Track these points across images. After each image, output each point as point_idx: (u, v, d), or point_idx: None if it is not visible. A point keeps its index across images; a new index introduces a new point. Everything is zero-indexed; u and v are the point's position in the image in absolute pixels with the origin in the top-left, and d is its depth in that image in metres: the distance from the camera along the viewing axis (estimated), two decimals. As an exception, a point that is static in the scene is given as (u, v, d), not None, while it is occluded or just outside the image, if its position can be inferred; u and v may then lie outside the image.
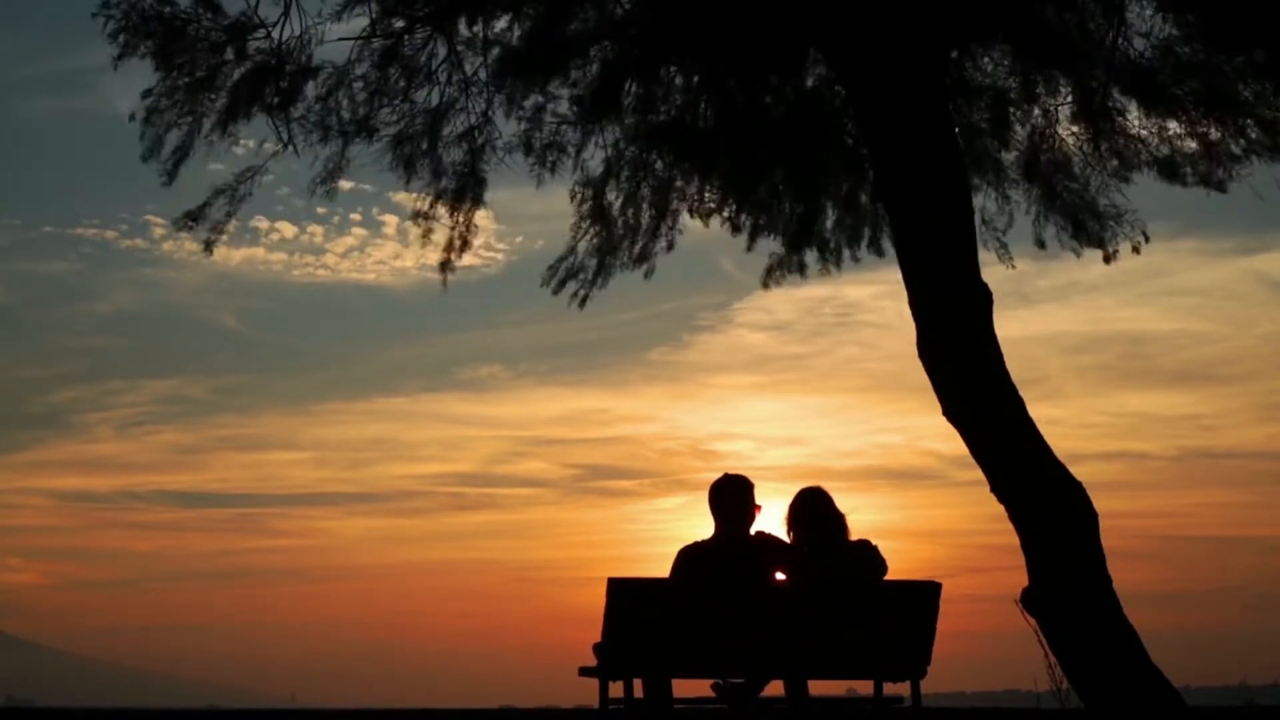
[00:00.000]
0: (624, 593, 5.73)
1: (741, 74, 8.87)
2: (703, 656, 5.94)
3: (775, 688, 6.23)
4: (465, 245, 9.31)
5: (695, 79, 9.13)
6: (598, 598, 5.73)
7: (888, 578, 6.29)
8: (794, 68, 8.96)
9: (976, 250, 7.68)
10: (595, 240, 9.56)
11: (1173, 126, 8.71)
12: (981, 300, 7.45)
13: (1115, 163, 9.02)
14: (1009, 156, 9.31)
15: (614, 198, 9.50)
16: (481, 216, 9.38)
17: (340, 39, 8.56)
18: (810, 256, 9.97)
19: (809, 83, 9.19)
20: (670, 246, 9.73)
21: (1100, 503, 7.05)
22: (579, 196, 9.43)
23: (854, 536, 6.42)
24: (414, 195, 9.14)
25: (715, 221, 9.90)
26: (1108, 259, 9.35)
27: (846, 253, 9.94)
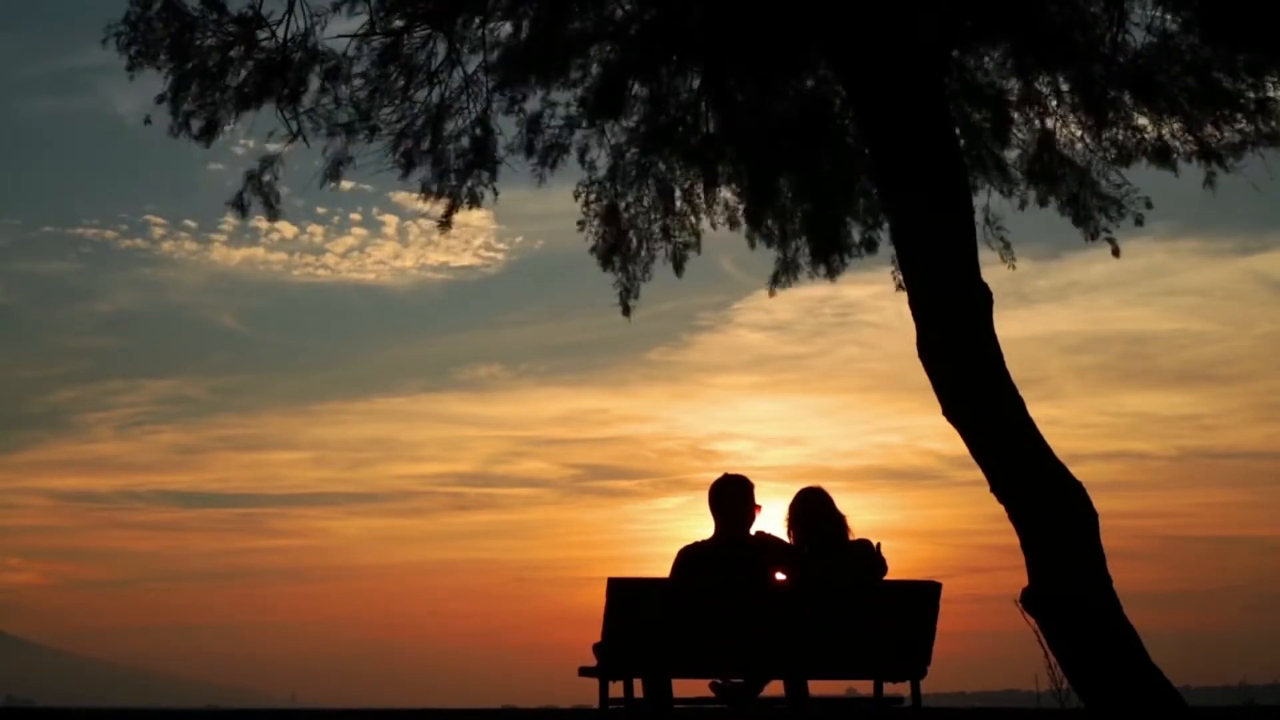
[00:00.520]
0: (624, 593, 5.73)
1: (742, 74, 8.87)
2: (703, 656, 5.94)
3: (775, 688, 6.23)
4: (475, 202, 9.32)
5: (696, 80, 9.14)
6: (598, 598, 5.74)
7: (888, 578, 6.29)
8: (795, 68, 8.96)
9: (976, 250, 7.68)
10: (609, 243, 9.60)
11: (1169, 121, 8.73)
12: (981, 300, 7.45)
13: (1114, 153, 9.06)
14: (1010, 155, 9.33)
15: (620, 199, 9.52)
16: (480, 216, 9.42)
17: (340, 36, 8.63)
18: (824, 259, 9.97)
19: (810, 83, 9.20)
20: (688, 246, 9.79)
21: (1100, 503, 7.06)
22: (583, 196, 9.45)
23: (854, 536, 6.42)
24: (419, 180, 9.21)
25: (716, 221, 9.92)
26: (1116, 252, 9.39)
27: (856, 256, 9.96)
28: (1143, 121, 8.85)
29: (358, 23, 8.56)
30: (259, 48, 8.44)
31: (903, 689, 6.15)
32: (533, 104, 9.07)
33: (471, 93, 9.00)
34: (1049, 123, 9.18)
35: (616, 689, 5.86)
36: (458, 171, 9.16)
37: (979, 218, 9.23)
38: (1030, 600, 6.94)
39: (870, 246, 9.88)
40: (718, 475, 6.40)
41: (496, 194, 9.25)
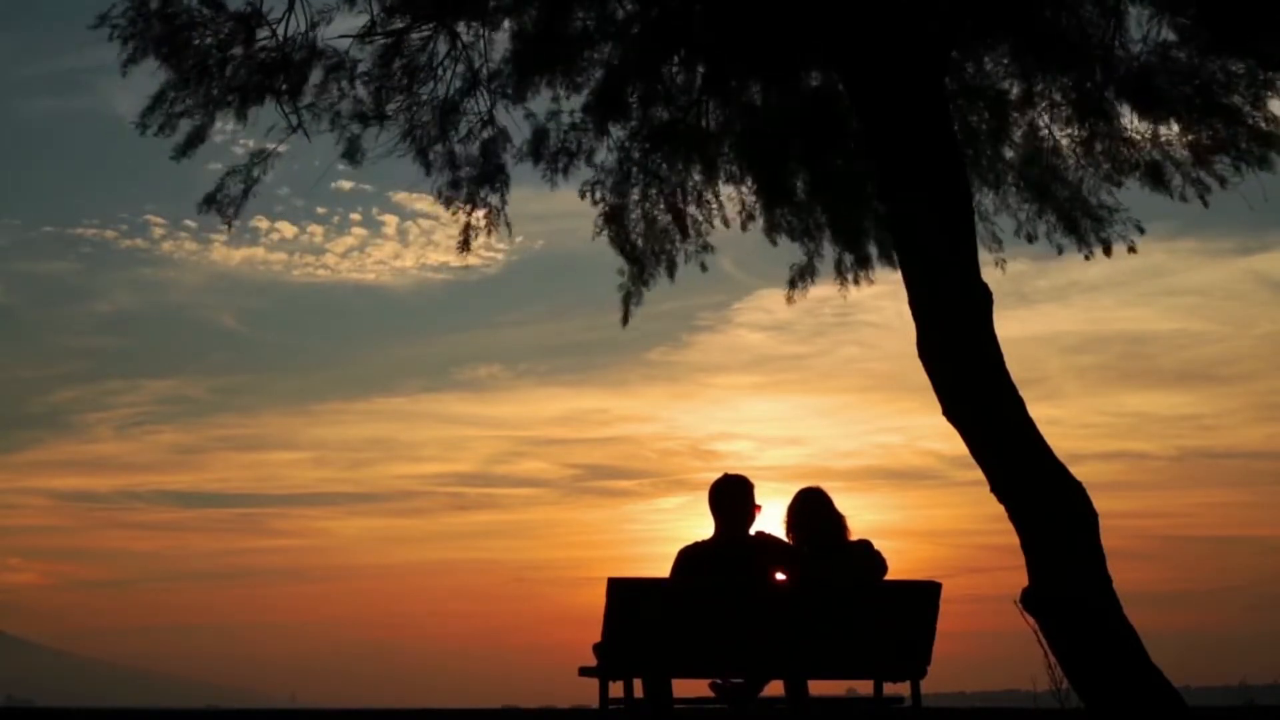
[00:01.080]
0: (624, 593, 5.73)
1: (743, 74, 8.87)
2: (703, 656, 5.93)
3: (775, 688, 6.23)
4: (491, 224, 9.32)
5: (698, 79, 9.14)
6: (598, 598, 5.73)
7: (888, 578, 6.29)
8: (796, 67, 8.96)
9: (976, 250, 7.68)
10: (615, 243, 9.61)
11: (1165, 132, 8.74)
12: (981, 300, 7.44)
13: (1107, 166, 9.05)
14: (1006, 156, 9.32)
15: (626, 199, 9.52)
16: (480, 216, 9.39)
17: (342, 36, 8.64)
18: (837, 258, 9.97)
19: (811, 83, 9.20)
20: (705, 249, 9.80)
21: (1100, 503, 7.05)
22: (589, 197, 9.45)
23: (854, 536, 6.41)
24: (437, 191, 9.20)
25: (716, 220, 9.91)
26: (1108, 250, 9.39)
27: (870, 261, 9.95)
28: (1136, 135, 8.84)
29: (359, 22, 8.57)
30: (259, 45, 8.43)
31: (903, 689, 6.15)
32: (536, 105, 9.08)
33: (476, 93, 9.01)
34: (1043, 133, 9.17)
35: (616, 689, 5.86)
36: (470, 181, 9.17)
37: (976, 217, 9.23)
38: (1030, 600, 6.94)
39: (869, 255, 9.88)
40: (718, 475, 6.39)
41: (510, 228, 9.31)
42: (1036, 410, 7.25)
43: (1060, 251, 9.53)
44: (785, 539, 6.41)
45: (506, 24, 8.77)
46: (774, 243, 9.95)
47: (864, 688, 6.34)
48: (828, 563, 6.26)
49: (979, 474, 7.24)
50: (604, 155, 9.33)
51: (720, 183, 9.68)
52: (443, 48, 8.82)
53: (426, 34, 8.74)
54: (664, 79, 9.07)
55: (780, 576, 6.27)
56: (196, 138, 8.50)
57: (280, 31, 8.45)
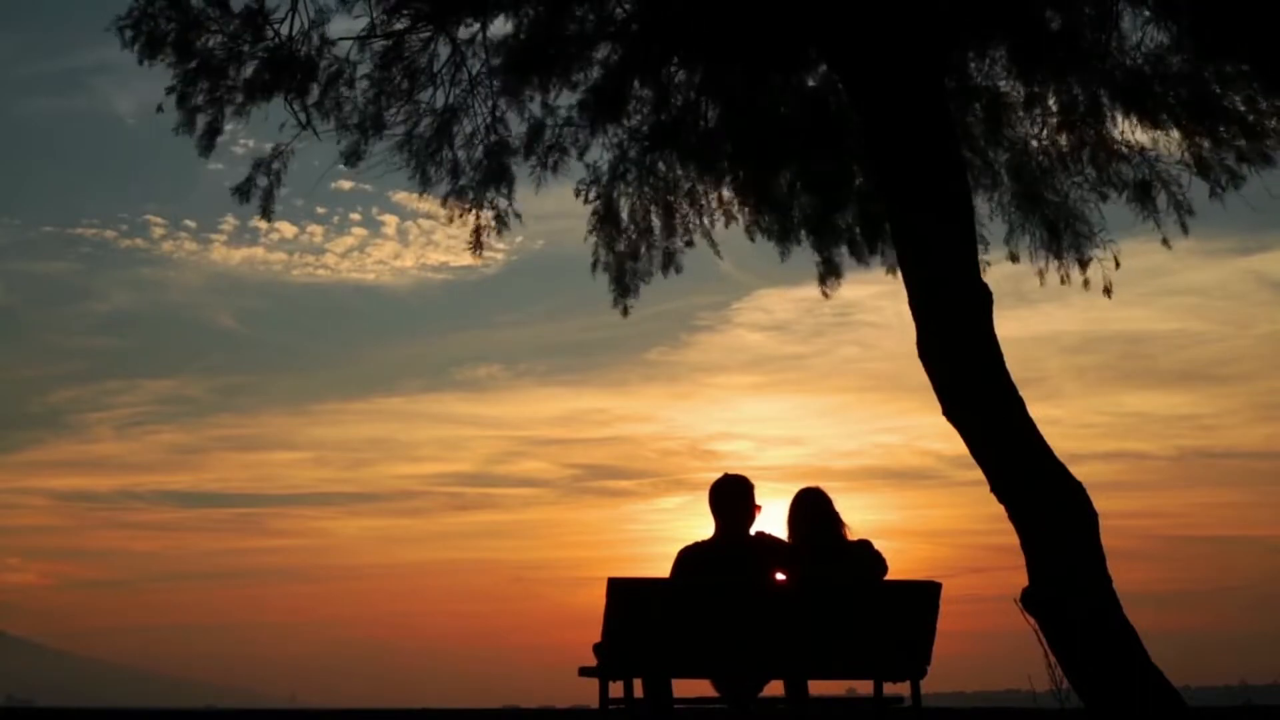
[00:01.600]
0: (624, 593, 5.72)
1: (743, 74, 8.87)
2: (703, 656, 5.93)
3: (775, 688, 6.23)
4: (502, 224, 9.34)
5: (697, 79, 9.14)
6: (598, 598, 5.73)
7: (888, 578, 6.29)
8: (795, 67, 8.96)
9: (976, 250, 7.68)
10: (610, 243, 9.60)
11: (1159, 138, 8.73)
12: (981, 300, 7.44)
13: (1094, 174, 9.04)
14: (1000, 158, 9.32)
15: (622, 199, 9.52)
16: (480, 216, 9.39)
17: (343, 38, 8.65)
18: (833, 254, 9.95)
19: (811, 83, 9.19)
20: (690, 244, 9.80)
21: (1100, 503, 7.05)
22: (585, 196, 9.45)
23: (854, 536, 6.41)
24: (432, 193, 9.22)
25: (716, 220, 9.91)
26: (1084, 265, 9.34)
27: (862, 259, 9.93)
28: (1126, 149, 8.83)
29: (360, 24, 8.58)
30: (265, 43, 8.47)
31: (903, 689, 6.15)
32: (535, 105, 9.08)
33: (476, 95, 9.01)
34: (1035, 140, 9.16)
35: (616, 689, 5.86)
36: (475, 186, 9.19)
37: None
38: (1030, 600, 6.94)
39: (871, 249, 9.86)
40: (717, 475, 6.38)
41: (519, 216, 9.32)
42: (1036, 410, 7.26)
43: (1042, 279, 9.47)
44: (785, 539, 6.41)
45: (506, 24, 8.77)
46: (751, 238, 9.95)
47: (864, 688, 6.34)
48: (828, 563, 6.26)
49: (979, 474, 7.25)
50: (600, 155, 9.33)
51: (717, 183, 9.68)
52: (444, 51, 8.82)
53: (426, 35, 8.74)
54: (662, 79, 9.07)
55: (780, 576, 6.27)
56: (214, 132, 8.62)
57: (284, 30, 8.49)
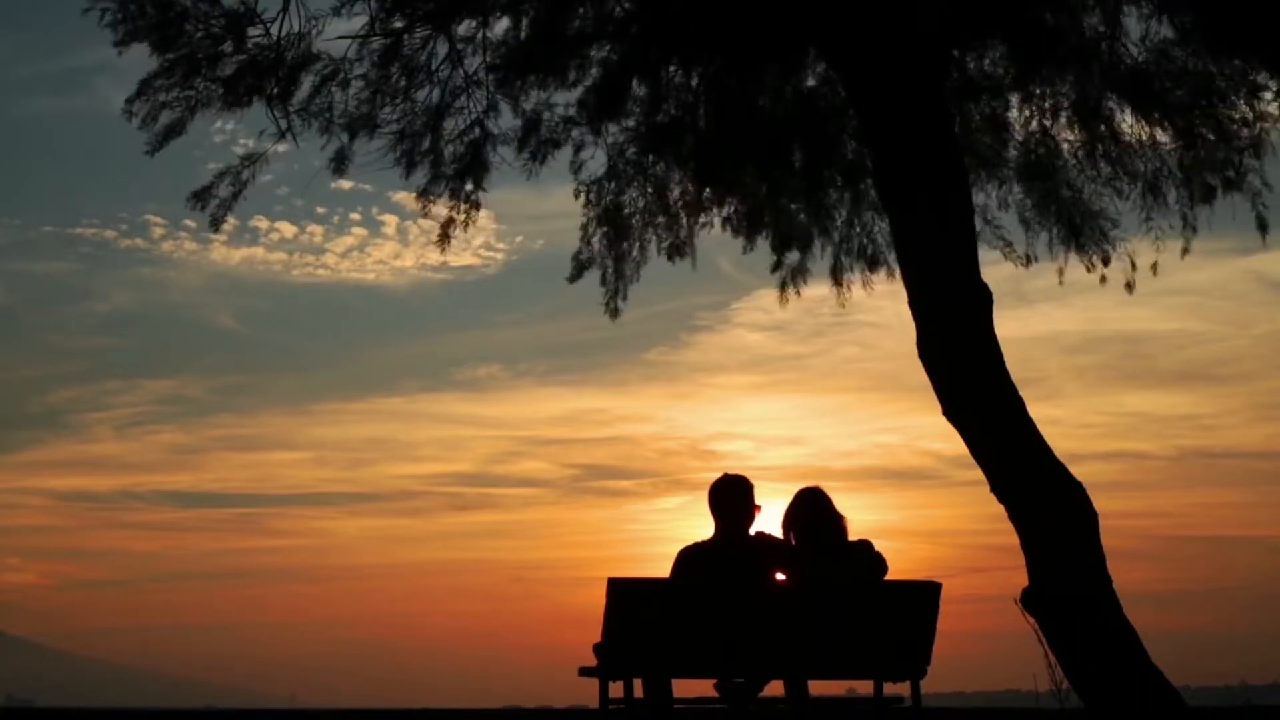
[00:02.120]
0: (624, 593, 5.72)
1: (742, 73, 8.86)
2: (703, 656, 5.93)
3: (775, 688, 6.23)
4: (469, 221, 9.29)
5: (696, 79, 9.13)
6: (598, 598, 5.73)
7: (888, 578, 6.29)
8: (794, 67, 8.95)
9: (976, 250, 7.67)
10: (606, 243, 9.59)
11: (1163, 136, 8.71)
12: (981, 300, 7.44)
13: (1107, 169, 9.03)
14: (1007, 155, 9.31)
15: (618, 199, 9.51)
16: (482, 216, 9.37)
17: (340, 37, 8.57)
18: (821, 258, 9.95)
19: (810, 82, 9.19)
20: (684, 247, 9.79)
21: (1100, 503, 7.05)
22: (583, 197, 9.44)
23: (854, 536, 6.41)
24: (416, 188, 9.15)
25: (714, 222, 9.91)
26: (1106, 261, 9.34)
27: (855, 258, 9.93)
28: (1136, 143, 8.82)
29: (357, 23, 8.52)
30: (251, 44, 8.32)
31: (903, 689, 6.15)
32: (533, 104, 9.05)
33: (472, 93, 8.98)
34: (1041, 137, 9.14)
35: (616, 689, 5.86)
36: (450, 177, 9.11)
37: (981, 217, 9.23)
38: (1030, 600, 6.94)
39: (868, 256, 9.87)
40: (717, 475, 6.39)
41: (485, 191, 9.18)
42: (1036, 410, 7.25)
43: (1087, 265, 9.43)
44: (785, 539, 6.40)
45: (505, 23, 8.75)
46: (752, 246, 9.96)
47: (864, 688, 6.34)
48: (828, 563, 6.26)
49: (979, 474, 7.24)
50: (597, 154, 9.32)
51: (715, 184, 9.67)
52: (442, 49, 8.79)
53: (426, 33, 8.72)
54: (661, 79, 9.06)
55: (780, 576, 6.27)
56: (174, 131, 8.33)
57: (275, 31, 8.34)
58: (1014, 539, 7.10)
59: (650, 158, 9.41)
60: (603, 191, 9.45)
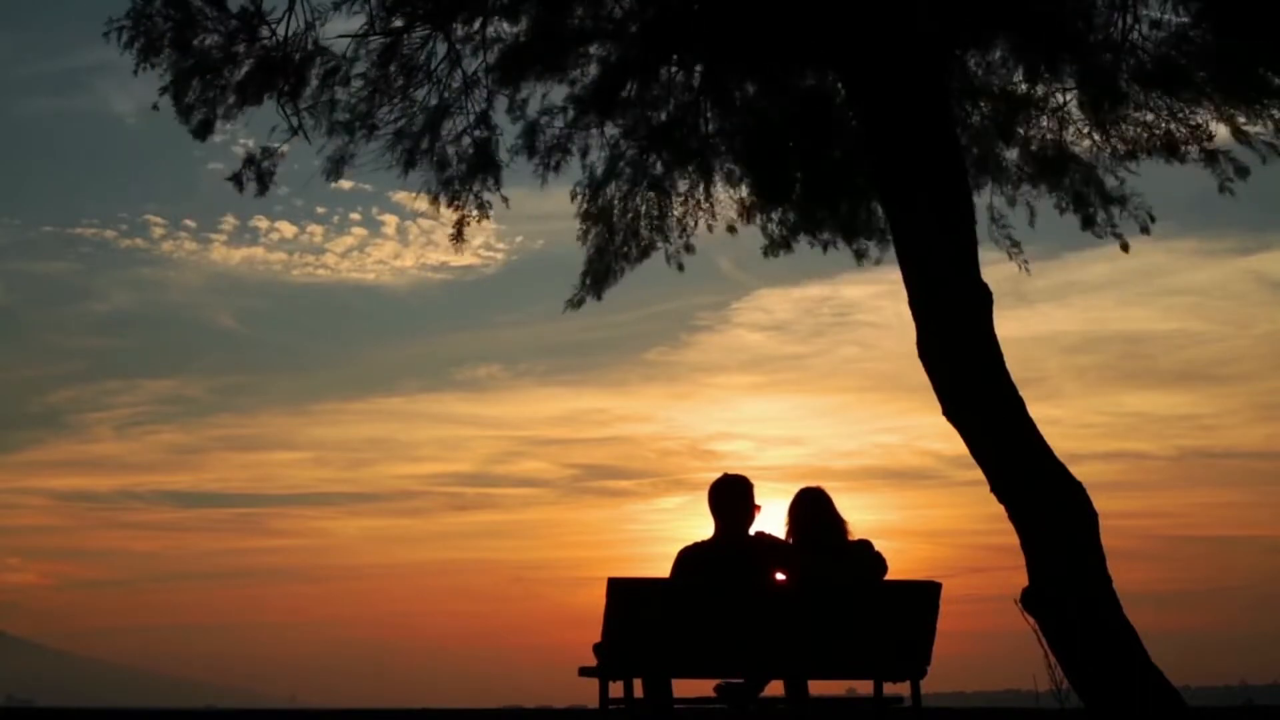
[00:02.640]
0: (624, 593, 5.72)
1: (741, 73, 8.86)
2: (703, 656, 5.93)
3: (775, 688, 6.23)
4: (484, 214, 9.31)
5: (695, 79, 9.13)
6: (598, 598, 5.73)
7: (888, 578, 6.29)
8: (794, 67, 8.95)
9: (976, 250, 7.67)
10: (600, 241, 9.58)
11: (1188, 112, 8.67)
12: (981, 300, 7.44)
13: (1121, 147, 9.02)
14: (1014, 154, 9.30)
15: (616, 199, 9.50)
16: (474, 210, 9.38)
17: (340, 36, 8.62)
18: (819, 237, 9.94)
19: (810, 82, 9.18)
20: (684, 249, 9.78)
21: (1100, 503, 7.05)
22: (580, 197, 9.43)
23: (854, 536, 6.41)
24: (428, 189, 9.19)
25: (714, 224, 9.90)
26: (1125, 247, 9.37)
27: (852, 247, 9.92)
28: (1150, 117, 8.79)
29: (357, 22, 8.56)
30: (260, 44, 8.43)
31: (903, 689, 6.15)
32: (533, 104, 9.06)
33: (471, 93, 8.99)
34: (1054, 120, 9.12)
35: (616, 689, 5.86)
36: (461, 177, 9.15)
37: (985, 217, 9.23)
38: (1030, 600, 6.94)
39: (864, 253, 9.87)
40: (717, 475, 6.39)
41: (506, 201, 9.28)
42: (1036, 410, 7.25)
43: (1097, 236, 9.40)
44: (785, 539, 6.40)
45: (504, 22, 8.76)
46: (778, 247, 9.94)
47: (864, 688, 6.34)
48: (828, 563, 6.25)
49: (979, 474, 7.24)
50: (596, 154, 9.32)
51: (714, 184, 9.67)
52: (441, 49, 8.81)
53: (425, 33, 8.73)
54: (661, 78, 9.06)
55: (780, 576, 6.27)
56: (208, 124, 8.56)
57: (281, 31, 8.44)
58: (1014, 539, 7.10)
59: (650, 157, 9.41)
60: (600, 192, 9.45)
